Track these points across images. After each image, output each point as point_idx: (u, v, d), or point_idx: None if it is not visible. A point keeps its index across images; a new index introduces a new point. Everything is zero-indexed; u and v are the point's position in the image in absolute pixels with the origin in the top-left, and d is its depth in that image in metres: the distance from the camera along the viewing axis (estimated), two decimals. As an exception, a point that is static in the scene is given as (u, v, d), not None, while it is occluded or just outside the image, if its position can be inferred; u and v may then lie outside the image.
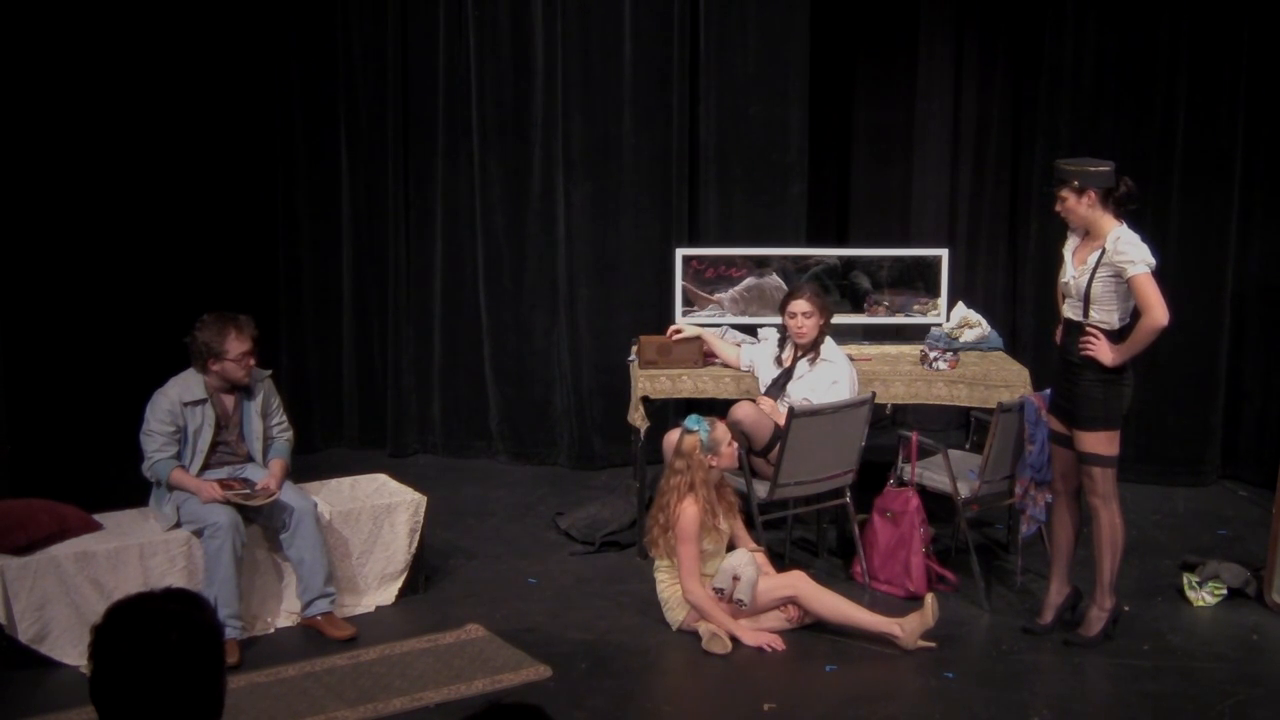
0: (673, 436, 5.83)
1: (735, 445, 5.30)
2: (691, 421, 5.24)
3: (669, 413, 6.82)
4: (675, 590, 5.16)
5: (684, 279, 6.57)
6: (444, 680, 4.69)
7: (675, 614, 5.16)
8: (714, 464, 5.20)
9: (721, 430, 5.24)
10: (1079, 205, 4.81)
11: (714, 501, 5.19)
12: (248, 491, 5.03)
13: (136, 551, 4.94)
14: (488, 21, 7.16)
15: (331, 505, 5.38)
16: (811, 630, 5.18)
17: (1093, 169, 4.82)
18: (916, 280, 6.66)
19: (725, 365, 6.15)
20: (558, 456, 7.39)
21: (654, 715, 4.52)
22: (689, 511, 5.09)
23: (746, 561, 5.08)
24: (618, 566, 5.89)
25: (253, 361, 5.11)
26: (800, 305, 5.77)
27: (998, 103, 7.62)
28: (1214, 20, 6.80)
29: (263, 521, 5.15)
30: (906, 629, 4.97)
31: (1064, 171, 4.84)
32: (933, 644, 5.00)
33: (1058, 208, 4.90)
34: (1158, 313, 4.69)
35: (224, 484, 5.03)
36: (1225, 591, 5.48)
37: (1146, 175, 6.49)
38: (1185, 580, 5.53)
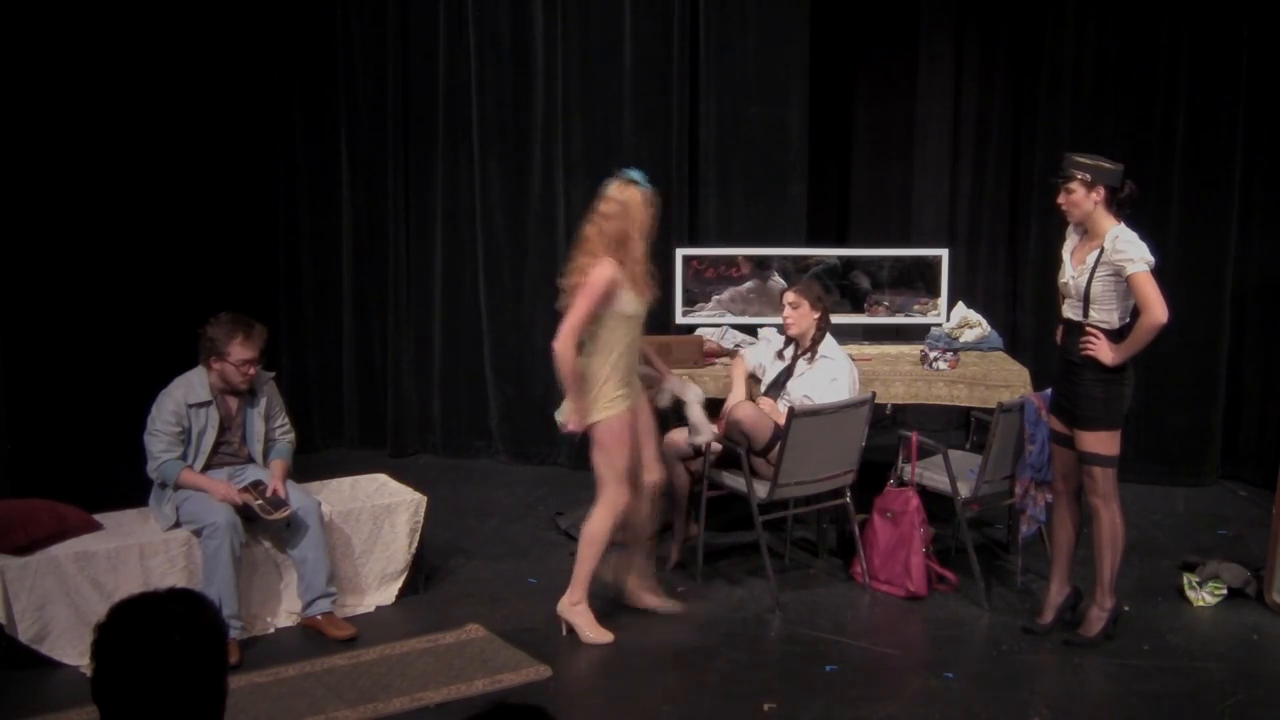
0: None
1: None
2: (634, 172, 4.95)
3: (669, 413, 6.81)
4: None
5: (699, 277, 6.57)
6: (444, 680, 4.69)
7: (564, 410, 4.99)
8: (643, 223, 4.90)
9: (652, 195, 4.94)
10: (1085, 200, 4.80)
11: (638, 270, 4.88)
12: (268, 507, 5.02)
13: (136, 551, 4.94)
14: (488, 21, 7.17)
15: (332, 505, 5.38)
16: (811, 630, 5.19)
17: (1107, 165, 4.82)
18: (916, 280, 6.66)
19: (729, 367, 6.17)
20: (558, 456, 7.39)
21: (654, 715, 4.52)
22: (607, 272, 4.79)
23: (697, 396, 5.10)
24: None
25: (253, 371, 5.11)
26: (788, 295, 5.83)
27: (998, 103, 7.62)
28: (1214, 20, 6.81)
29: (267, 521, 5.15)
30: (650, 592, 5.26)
31: (1076, 164, 4.83)
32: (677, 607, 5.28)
33: (1060, 199, 4.88)
34: (1157, 311, 4.69)
35: (247, 491, 5.03)
36: (1225, 591, 5.48)
37: (1146, 175, 6.49)
38: (1185, 580, 5.53)
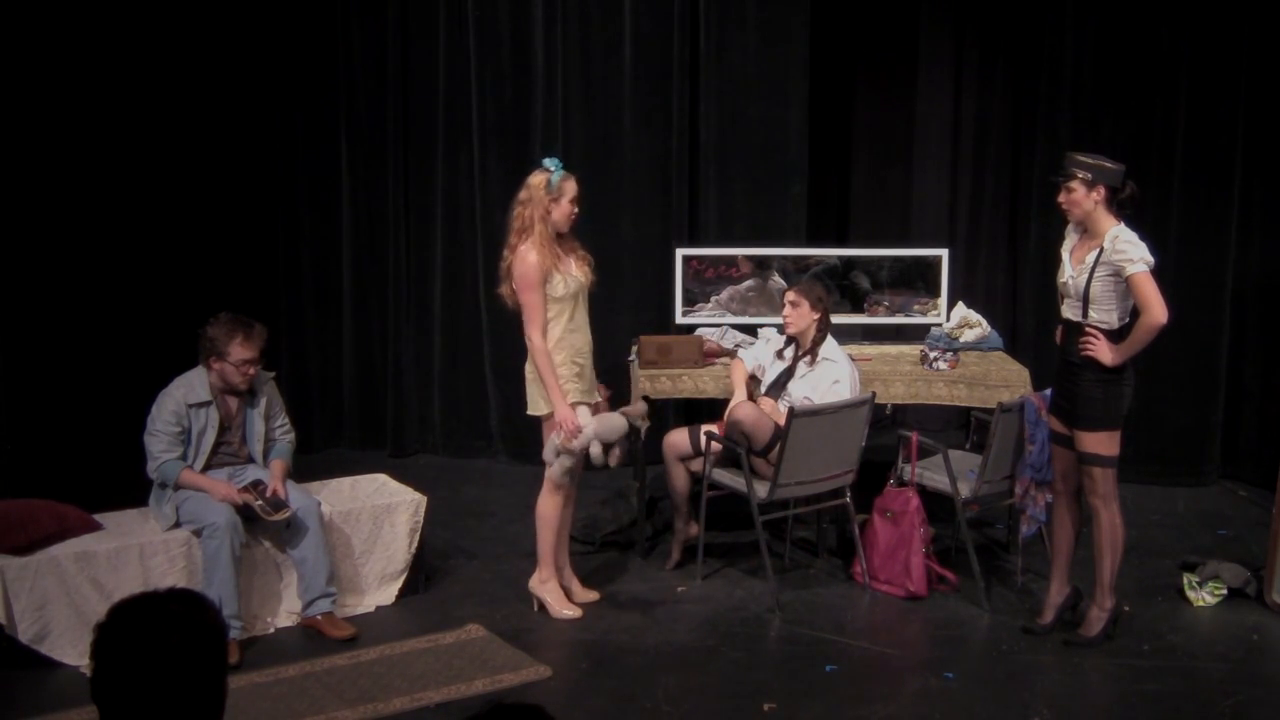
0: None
1: (575, 210, 5.12)
2: (550, 161, 5.11)
3: (669, 413, 6.82)
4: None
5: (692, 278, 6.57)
6: (444, 680, 4.69)
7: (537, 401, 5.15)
8: (551, 209, 5.04)
9: (571, 185, 5.09)
10: (1085, 199, 4.80)
11: (557, 247, 5.04)
12: (268, 508, 5.02)
13: (136, 551, 4.94)
14: (488, 21, 7.17)
15: (332, 505, 5.38)
16: (811, 630, 5.19)
17: (1108, 165, 4.82)
18: (916, 280, 6.66)
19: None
20: (557, 456, 7.37)
21: (654, 715, 4.52)
22: (529, 258, 4.97)
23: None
24: (618, 566, 5.89)
25: (253, 371, 5.11)
26: (789, 294, 5.83)
27: (998, 103, 7.62)
28: (1214, 20, 6.81)
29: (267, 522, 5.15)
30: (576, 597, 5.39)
31: (1077, 163, 4.83)
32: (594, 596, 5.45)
33: (1061, 198, 4.88)
34: (1157, 311, 4.69)
35: (247, 491, 5.04)
36: (1225, 591, 5.49)
37: (1146, 175, 6.49)
38: (1185, 580, 5.53)
